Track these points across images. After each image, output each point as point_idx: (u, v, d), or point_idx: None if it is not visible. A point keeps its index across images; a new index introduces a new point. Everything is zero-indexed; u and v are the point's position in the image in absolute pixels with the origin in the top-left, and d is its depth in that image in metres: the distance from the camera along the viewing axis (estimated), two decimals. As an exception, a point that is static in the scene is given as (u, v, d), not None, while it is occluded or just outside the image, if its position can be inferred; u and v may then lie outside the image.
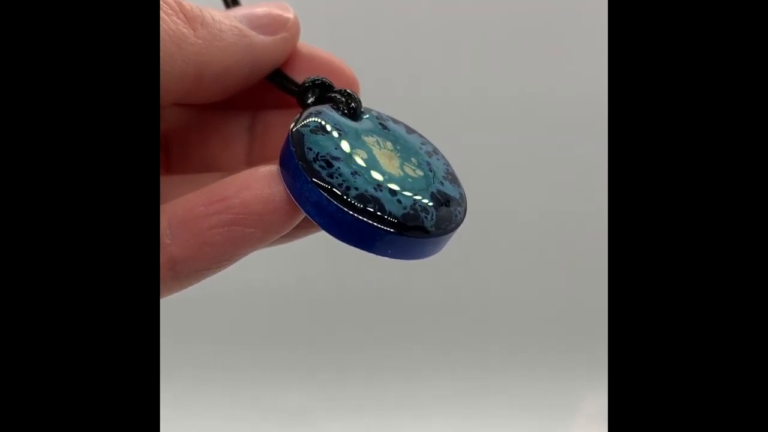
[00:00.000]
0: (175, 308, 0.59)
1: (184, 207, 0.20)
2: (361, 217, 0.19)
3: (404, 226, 0.19)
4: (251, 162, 0.25)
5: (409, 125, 0.23)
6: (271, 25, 0.23)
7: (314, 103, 0.22)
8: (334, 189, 0.19)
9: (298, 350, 0.65)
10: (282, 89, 0.23)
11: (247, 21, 0.23)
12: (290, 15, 0.24)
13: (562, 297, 0.64)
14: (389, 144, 0.21)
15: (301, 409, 0.61)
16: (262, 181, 0.20)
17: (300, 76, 0.23)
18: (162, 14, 0.21)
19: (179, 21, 0.21)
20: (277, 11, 0.23)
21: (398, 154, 0.20)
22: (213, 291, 0.65)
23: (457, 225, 0.20)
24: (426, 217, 0.19)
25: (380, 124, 0.22)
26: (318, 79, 0.23)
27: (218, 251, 0.20)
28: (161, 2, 0.21)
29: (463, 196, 0.21)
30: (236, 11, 0.23)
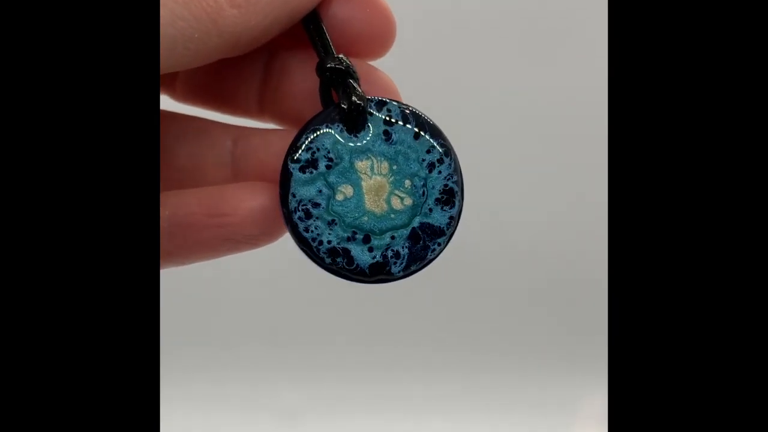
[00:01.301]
0: (175, 308, 0.59)
1: (185, 211, 0.21)
2: (330, 268, 0.21)
3: (370, 275, 0.21)
4: (263, 103, 0.24)
5: (426, 117, 0.21)
6: None
7: (327, 96, 0.21)
8: (309, 242, 0.21)
9: (297, 350, 0.65)
10: (312, 42, 0.21)
11: None
12: None
13: (563, 297, 0.64)
14: (385, 166, 0.21)
15: (300, 408, 0.61)
16: (258, 199, 0.21)
17: (335, 18, 0.22)
18: None
19: None
20: None
21: (391, 179, 0.21)
22: (213, 290, 0.65)
23: (431, 260, 0.21)
24: (395, 263, 0.21)
25: (385, 131, 0.21)
26: (339, 65, 0.21)
27: (207, 254, 0.22)
28: None
29: (453, 219, 0.21)
30: None
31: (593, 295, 0.57)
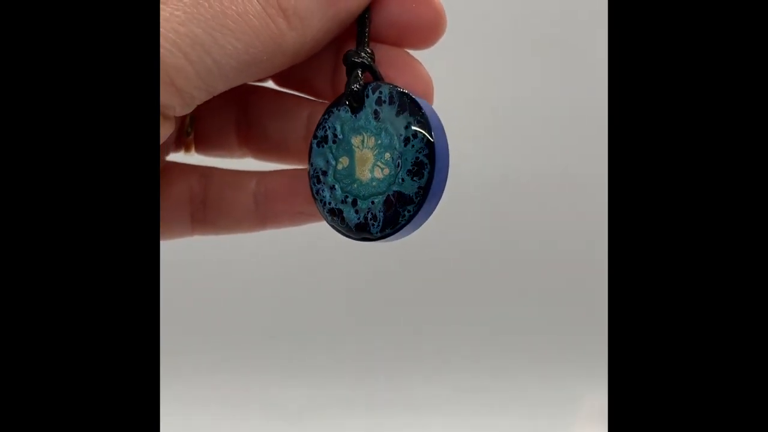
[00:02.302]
0: (176, 308, 0.59)
1: (270, 187, 0.28)
2: (332, 225, 0.25)
3: (356, 233, 0.25)
4: (334, 86, 0.27)
5: (411, 96, 0.24)
6: None
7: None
8: (318, 203, 0.25)
9: (297, 349, 0.65)
10: (359, 34, 0.24)
11: None
12: None
13: (563, 296, 0.64)
14: (372, 140, 0.24)
15: (300, 407, 0.61)
16: None
17: (386, 11, 0.24)
18: (260, 8, 0.22)
19: (275, 15, 0.22)
20: None
21: (375, 152, 0.24)
22: (212, 289, 0.65)
23: (403, 225, 0.24)
24: (373, 224, 0.24)
25: (375, 111, 0.24)
26: (357, 57, 0.24)
27: (284, 224, 0.28)
28: None
29: (421, 189, 0.23)
30: None
31: (593, 295, 0.58)
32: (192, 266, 0.64)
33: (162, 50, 0.21)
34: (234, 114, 0.29)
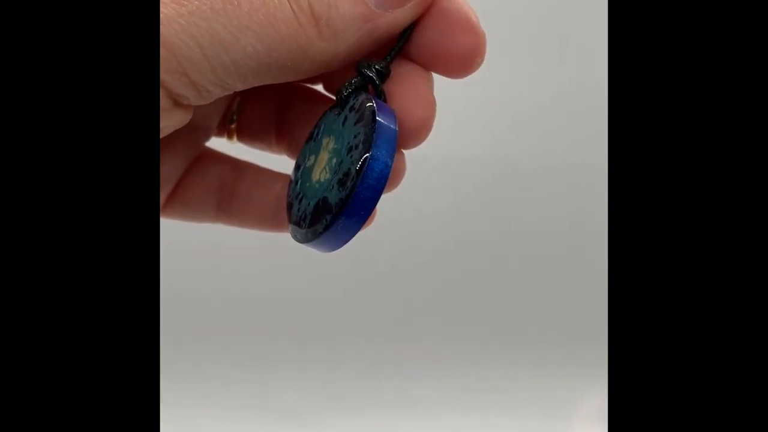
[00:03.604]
0: (176, 308, 0.59)
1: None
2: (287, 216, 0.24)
3: (292, 231, 0.24)
4: None
5: (375, 106, 0.22)
6: None
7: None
8: (287, 194, 0.25)
9: (297, 349, 0.65)
10: (393, 52, 0.23)
11: None
12: None
13: (562, 296, 0.65)
14: (332, 143, 0.23)
15: (300, 407, 0.61)
16: None
17: (424, 35, 0.23)
18: (291, 14, 0.21)
19: (307, 24, 0.22)
20: None
21: (329, 156, 0.23)
22: (212, 290, 0.66)
23: (322, 232, 0.22)
24: (302, 225, 0.23)
25: (345, 117, 0.23)
26: (364, 68, 0.23)
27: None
28: (288, 3, 0.21)
29: (342, 201, 0.22)
30: None
31: (593, 295, 0.58)
32: (192, 266, 0.64)
33: (178, 41, 0.20)
34: (275, 110, 0.29)
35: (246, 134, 0.30)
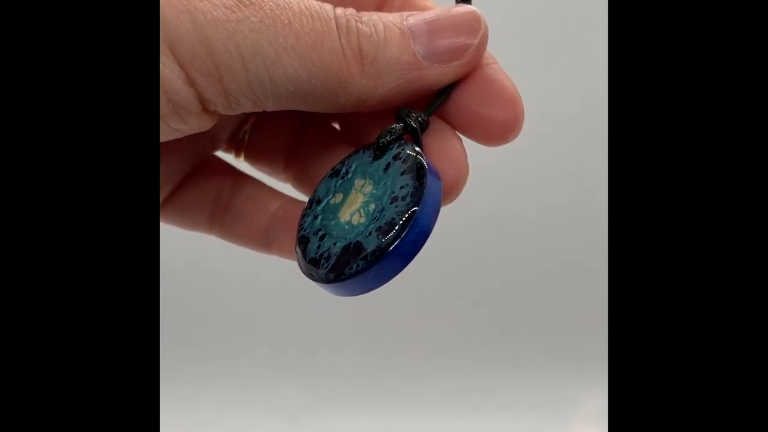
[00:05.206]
0: (176, 307, 0.59)
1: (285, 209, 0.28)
2: (296, 252, 0.24)
3: (306, 267, 0.23)
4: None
5: (423, 161, 0.22)
6: (450, 53, 0.22)
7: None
8: (299, 225, 0.24)
9: (297, 349, 0.65)
10: (434, 107, 0.23)
11: (425, 49, 0.22)
12: (474, 40, 0.23)
13: (563, 297, 0.64)
14: (369, 187, 0.23)
15: (300, 407, 0.61)
16: None
17: (460, 102, 0.23)
18: (338, 46, 0.21)
19: (352, 58, 0.21)
20: (461, 39, 0.23)
21: (364, 200, 0.23)
22: (213, 290, 0.65)
23: (348, 276, 0.22)
24: (324, 265, 0.22)
25: (388, 163, 0.23)
26: (404, 117, 0.23)
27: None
28: (337, 34, 0.21)
29: (379, 249, 0.21)
30: (423, 24, 0.22)
31: (593, 294, 0.58)
32: (192, 266, 0.64)
33: (222, 46, 0.20)
34: (288, 137, 0.28)
35: (254, 154, 0.29)
